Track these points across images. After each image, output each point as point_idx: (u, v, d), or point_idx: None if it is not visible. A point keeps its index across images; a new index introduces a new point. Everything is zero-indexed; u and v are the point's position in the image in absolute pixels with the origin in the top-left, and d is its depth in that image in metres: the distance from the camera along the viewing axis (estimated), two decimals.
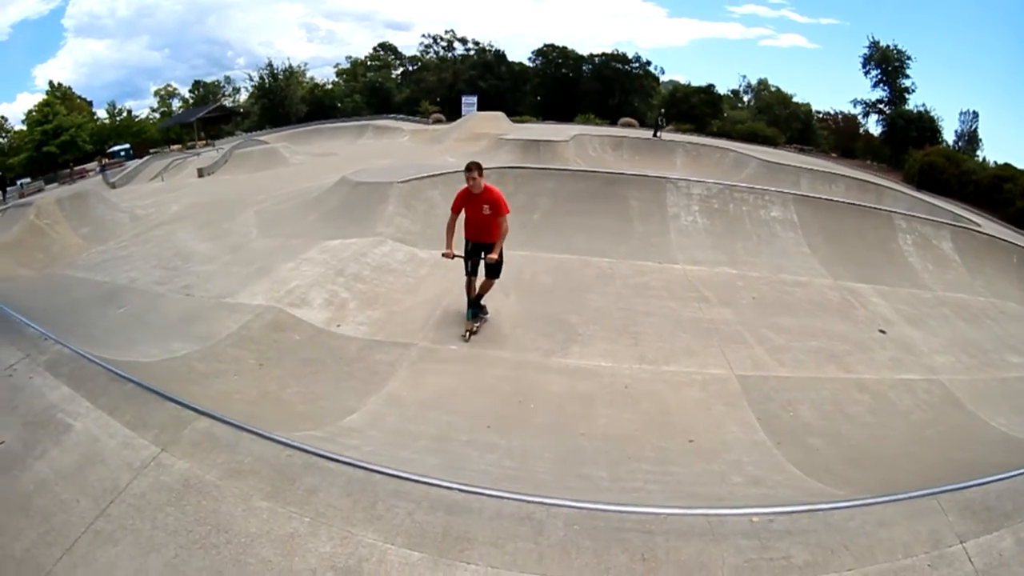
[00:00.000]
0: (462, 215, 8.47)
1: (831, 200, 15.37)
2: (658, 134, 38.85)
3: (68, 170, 53.58)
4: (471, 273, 8.52)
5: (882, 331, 9.42)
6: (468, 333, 8.25)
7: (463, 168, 8.39)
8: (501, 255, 8.42)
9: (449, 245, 8.27)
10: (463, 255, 8.50)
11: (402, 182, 13.16)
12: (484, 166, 8.43)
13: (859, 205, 15.55)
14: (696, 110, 61.88)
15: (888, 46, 61.56)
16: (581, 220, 12.57)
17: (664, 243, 12.26)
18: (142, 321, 8.89)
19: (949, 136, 59.28)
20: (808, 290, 10.83)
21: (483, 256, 8.47)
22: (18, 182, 48.05)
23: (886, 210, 15.30)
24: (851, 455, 5.94)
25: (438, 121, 54.00)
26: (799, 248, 12.62)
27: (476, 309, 8.62)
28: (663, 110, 49.65)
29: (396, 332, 8.13)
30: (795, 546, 3.23)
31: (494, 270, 8.54)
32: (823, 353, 8.42)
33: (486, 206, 8.25)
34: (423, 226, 12.04)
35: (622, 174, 14.63)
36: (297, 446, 4.36)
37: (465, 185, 8.33)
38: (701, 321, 9.05)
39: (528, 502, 3.64)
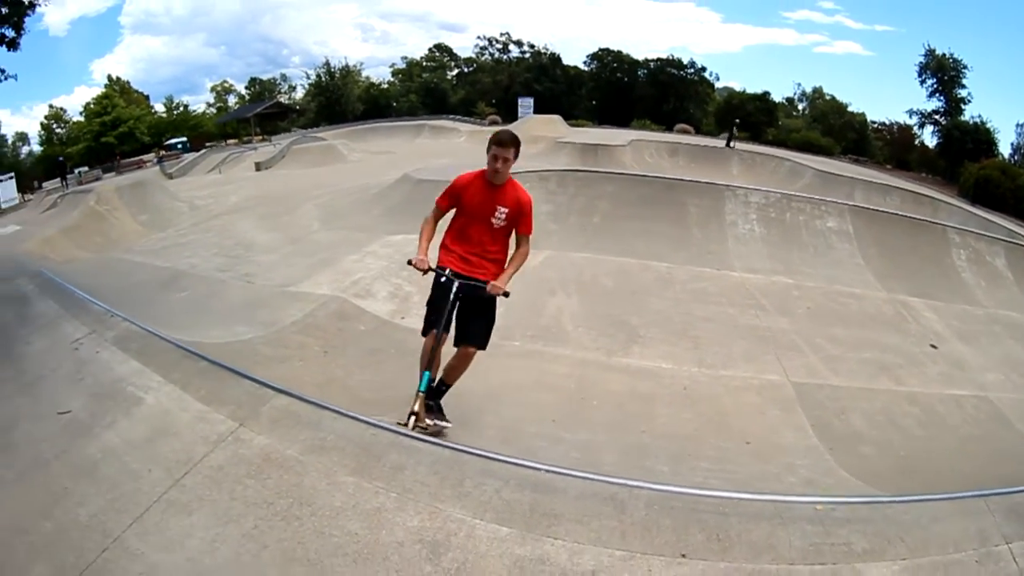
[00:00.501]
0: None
1: (886, 212, 15.33)
2: (732, 144, 38.70)
3: (116, 161, 54.69)
4: (438, 324, 5.30)
5: (934, 346, 9.52)
6: (411, 418, 4.97)
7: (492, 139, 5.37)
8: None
9: (423, 251, 5.33)
10: (441, 273, 5.37)
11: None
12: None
13: (913, 218, 15.48)
14: (752, 118, 61.44)
15: (944, 54, 60.63)
16: (640, 224, 12.71)
17: (722, 250, 12.42)
18: (205, 305, 9.20)
19: (1005, 149, 58.11)
20: (862, 302, 10.94)
21: (474, 293, 5.35)
22: (76, 170, 49.48)
23: (940, 224, 15.23)
24: (900, 464, 6.14)
25: (494, 123, 54.36)
26: (854, 260, 12.69)
27: (435, 397, 5.45)
28: (737, 120, 49.47)
29: None
30: (855, 534, 3.47)
31: (484, 328, 5.50)
32: (875, 365, 8.55)
33: (501, 211, 5.33)
34: None
35: (681, 180, 14.78)
36: (382, 425, 4.45)
37: (477, 170, 5.48)
38: (758, 328, 9.24)
39: (610, 483, 3.86)
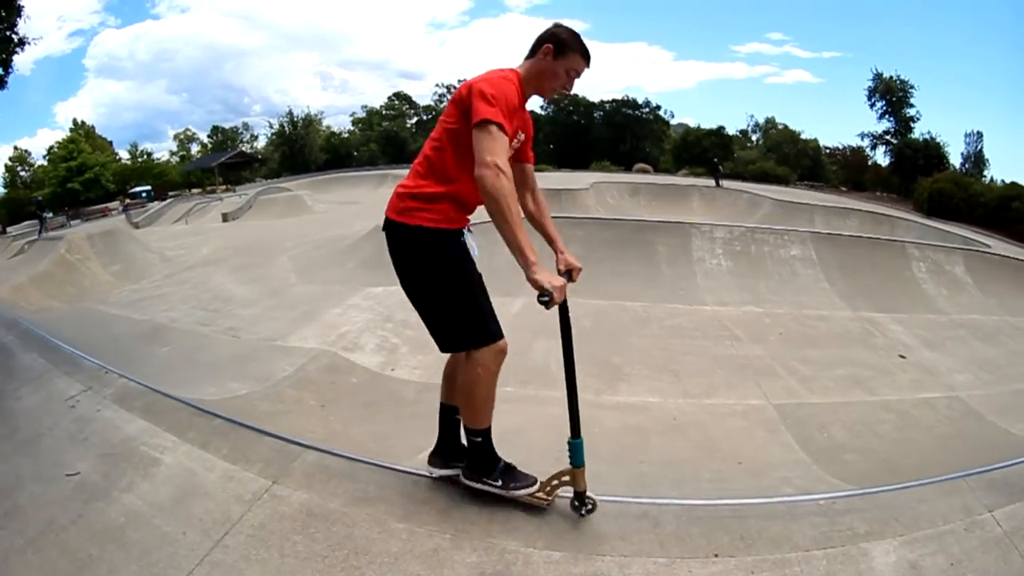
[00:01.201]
0: None
1: (846, 235, 16.04)
2: (720, 183, 39.36)
3: (65, 211, 53.37)
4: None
5: (902, 356, 10.05)
6: (589, 500, 4.07)
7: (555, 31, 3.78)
8: None
9: (537, 263, 3.38)
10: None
11: None
12: None
13: (872, 238, 16.24)
14: (708, 153, 62.58)
15: (891, 77, 62.33)
16: (612, 266, 12.99)
17: (692, 286, 12.85)
18: (192, 360, 9.10)
19: (956, 159, 59.79)
20: (830, 323, 11.44)
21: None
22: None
23: (899, 240, 16.13)
24: (883, 466, 6.50)
25: None
26: (819, 284, 13.24)
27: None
28: (716, 159, 50.40)
29: None
30: (856, 520, 3.87)
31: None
32: (849, 380, 9.00)
33: (520, 136, 3.84)
34: None
35: (648, 221, 15.28)
36: (421, 474, 4.43)
37: (509, 71, 3.70)
38: (735, 357, 9.63)
39: (641, 503, 4.19)
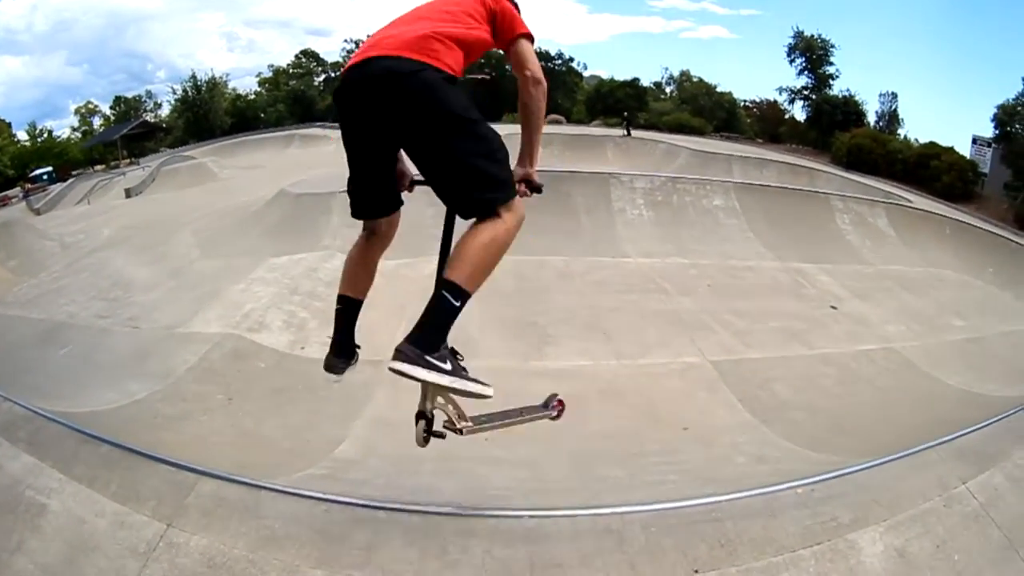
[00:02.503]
0: None
1: (770, 186, 16.14)
2: (630, 132, 39.59)
3: None
4: None
5: (833, 307, 9.99)
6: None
7: None
8: None
9: None
10: None
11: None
12: None
13: (797, 189, 16.42)
14: (622, 104, 62.61)
15: (812, 35, 63.33)
16: (529, 219, 12.41)
17: (613, 237, 12.49)
18: (90, 361, 8.38)
19: (871, 118, 61.34)
20: (758, 274, 11.32)
21: None
22: None
23: (823, 192, 16.24)
24: (831, 424, 6.38)
25: None
26: (744, 234, 13.12)
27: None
28: (625, 113, 50.76)
29: (364, 350, 7.76)
30: (838, 508, 3.58)
31: None
32: (784, 332, 8.85)
33: None
34: None
35: (566, 172, 14.72)
36: (332, 499, 3.81)
37: None
38: (665, 312, 9.32)
39: (600, 515, 3.66)
